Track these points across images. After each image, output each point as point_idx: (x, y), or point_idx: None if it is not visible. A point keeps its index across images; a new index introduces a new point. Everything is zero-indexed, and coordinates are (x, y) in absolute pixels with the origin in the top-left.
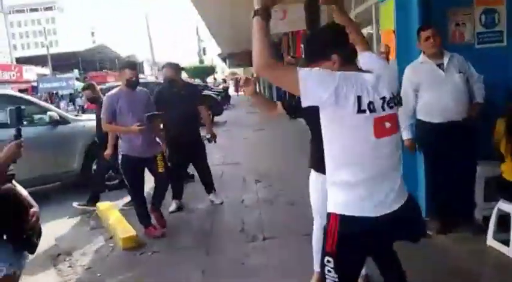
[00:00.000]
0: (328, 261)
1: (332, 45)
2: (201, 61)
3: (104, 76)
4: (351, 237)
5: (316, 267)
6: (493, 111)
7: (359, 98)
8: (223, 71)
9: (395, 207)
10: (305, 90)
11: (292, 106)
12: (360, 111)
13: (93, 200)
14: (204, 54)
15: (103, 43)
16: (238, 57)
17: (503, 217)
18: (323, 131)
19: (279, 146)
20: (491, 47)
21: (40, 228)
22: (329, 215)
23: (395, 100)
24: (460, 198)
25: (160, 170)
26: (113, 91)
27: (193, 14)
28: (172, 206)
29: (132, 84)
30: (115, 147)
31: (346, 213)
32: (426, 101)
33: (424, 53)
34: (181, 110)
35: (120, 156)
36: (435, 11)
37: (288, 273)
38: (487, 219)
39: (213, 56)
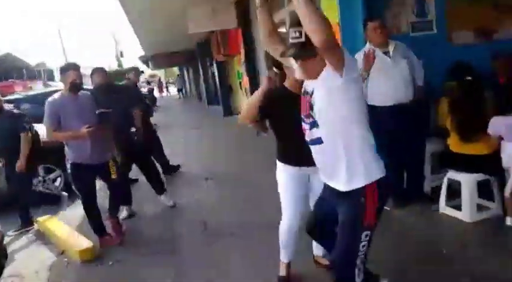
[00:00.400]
0: (366, 235)
1: None
2: (120, 64)
3: (11, 86)
4: (386, 196)
5: (284, 258)
6: (430, 93)
7: None
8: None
9: None
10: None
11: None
12: None
13: (26, 220)
14: (122, 56)
15: (9, 52)
16: (162, 58)
17: (449, 186)
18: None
19: (218, 144)
20: (423, 34)
21: (6, 250)
22: (364, 188)
23: None
24: (411, 174)
25: (114, 176)
26: (55, 96)
27: (109, 17)
28: (123, 213)
29: (76, 87)
30: (29, 158)
31: (383, 175)
32: (377, 87)
33: (369, 42)
34: (120, 114)
35: (68, 166)
36: (375, 3)
37: (261, 267)
38: (434, 190)
39: (133, 58)
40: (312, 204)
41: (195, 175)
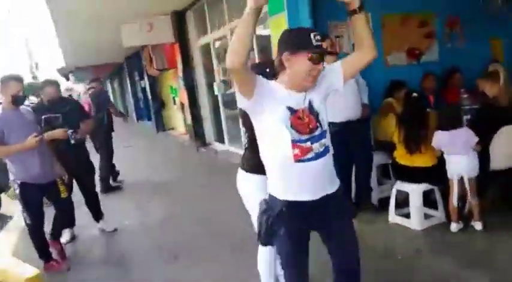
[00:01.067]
0: None
1: None
2: (35, 77)
3: None
4: None
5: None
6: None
7: None
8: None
9: None
10: None
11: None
12: None
13: None
14: (37, 69)
15: None
16: (86, 71)
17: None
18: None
19: (155, 161)
20: None
21: None
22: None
23: None
24: (360, 186)
25: (63, 195)
26: None
27: (20, 23)
28: (66, 236)
29: (19, 100)
30: None
31: None
32: (330, 104)
33: None
34: (72, 127)
35: (16, 186)
36: (320, 24)
37: None
38: (381, 200)
39: (50, 70)
40: None
41: (137, 194)
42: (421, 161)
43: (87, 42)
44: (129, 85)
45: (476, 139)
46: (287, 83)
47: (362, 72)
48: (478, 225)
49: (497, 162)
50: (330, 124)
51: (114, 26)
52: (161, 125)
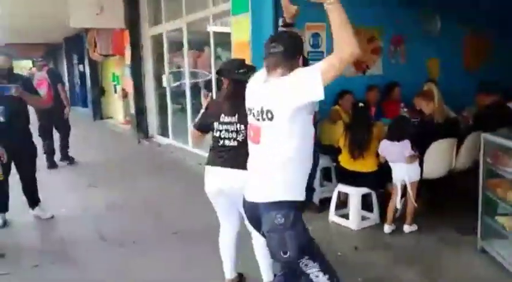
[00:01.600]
0: None
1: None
2: None
3: None
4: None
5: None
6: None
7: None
8: None
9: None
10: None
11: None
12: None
13: None
14: None
15: None
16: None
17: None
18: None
19: (94, 150)
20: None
21: None
22: None
23: (263, 115)
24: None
25: (0, 177)
26: None
27: None
28: None
29: None
30: None
31: None
32: None
33: None
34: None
35: None
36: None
37: (174, 273)
38: (321, 201)
39: None
40: None
41: (74, 182)
42: (363, 166)
43: (21, 16)
44: (65, 68)
45: (408, 152)
46: None
47: None
48: (409, 228)
49: (429, 173)
50: None
51: (59, 2)
52: (99, 113)
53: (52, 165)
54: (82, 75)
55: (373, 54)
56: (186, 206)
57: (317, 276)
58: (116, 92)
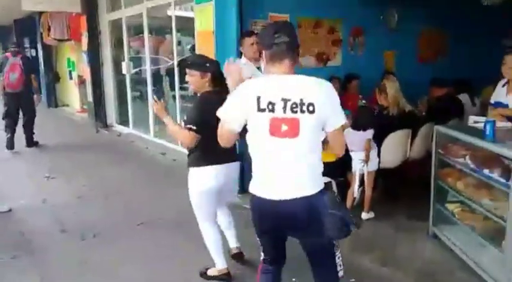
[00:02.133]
0: None
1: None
2: None
3: None
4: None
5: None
6: None
7: (258, 98)
8: None
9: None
10: None
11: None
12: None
13: None
14: None
15: None
16: None
17: None
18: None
19: (50, 139)
20: None
21: None
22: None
23: (303, 107)
24: None
25: None
26: None
27: None
28: None
29: None
30: None
31: (252, 193)
32: None
33: (245, 55)
34: None
35: None
36: (244, 20)
37: (141, 264)
38: None
39: None
40: None
41: (33, 171)
42: (323, 156)
43: None
44: None
45: (366, 141)
46: None
47: None
48: (366, 215)
49: (385, 163)
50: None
51: None
52: (54, 100)
53: (11, 146)
54: (34, 59)
55: (333, 46)
56: (152, 195)
57: (339, 258)
58: (71, 78)
